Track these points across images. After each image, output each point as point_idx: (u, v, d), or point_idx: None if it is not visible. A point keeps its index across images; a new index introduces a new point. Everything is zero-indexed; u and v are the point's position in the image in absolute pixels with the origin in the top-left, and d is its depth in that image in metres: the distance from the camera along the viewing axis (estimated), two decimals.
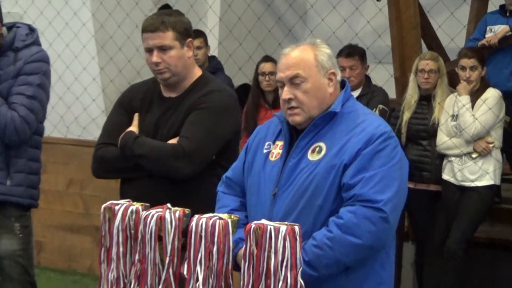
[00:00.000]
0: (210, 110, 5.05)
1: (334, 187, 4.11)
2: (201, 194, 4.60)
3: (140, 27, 10.54)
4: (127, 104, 5.26)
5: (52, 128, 10.35)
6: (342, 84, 4.33)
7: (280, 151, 4.27)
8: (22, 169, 5.65)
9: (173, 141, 5.02)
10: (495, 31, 9.46)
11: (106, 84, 10.69)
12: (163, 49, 5.07)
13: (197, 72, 5.23)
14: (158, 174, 4.99)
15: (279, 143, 4.30)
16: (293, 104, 4.20)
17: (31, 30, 5.75)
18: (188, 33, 5.17)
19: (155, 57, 5.07)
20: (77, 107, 10.73)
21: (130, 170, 5.08)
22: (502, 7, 9.64)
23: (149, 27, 5.11)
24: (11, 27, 5.69)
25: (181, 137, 5.00)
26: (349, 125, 4.19)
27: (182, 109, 5.09)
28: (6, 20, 5.97)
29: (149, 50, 5.11)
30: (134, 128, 5.13)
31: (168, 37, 5.07)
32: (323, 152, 4.17)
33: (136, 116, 5.18)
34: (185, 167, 4.95)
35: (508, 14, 9.51)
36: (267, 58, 9.45)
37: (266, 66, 9.29)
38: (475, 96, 8.35)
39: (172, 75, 5.11)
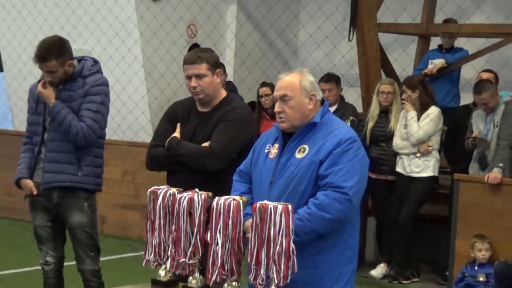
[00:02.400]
0: (234, 122, 5.02)
1: (313, 177, 4.11)
2: (225, 183, 4.57)
3: (177, 60, 10.65)
4: (172, 116, 5.22)
5: (112, 132, 10.35)
6: (322, 101, 4.33)
7: (276, 151, 4.27)
8: (89, 164, 5.62)
9: (206, 144, 4.99)
10: (435, 63, 9.47)
11: (151, 101, 10.69)
12: (199, 76, 5.01)
13: (223, 93, 5.18)
14: (194, 169, 4.97)
15: (276, 145, 4.29)
16: (282, 115, 4.21)
17: (95, 62, 5.71)
18: (217, 65, 5.12)
19: (193, 83, 5.02)
20: (130, 117, 10.73)
21: (174, 165, 5.05)
22: (440, 45, 9.65)
23: (189, 60, 5.07)
24: (80, 59, 5.67)
25: (212, 141, 4.98)
26: (325, 132, 4.19)
27: (212, 121, 5.05)
28: (79, 54, 5.98)
29: (189, 77, 5.05)
30: (177, 134, 5.09)
31: (203, 68, 5.02)
32: (306, 152, 4.16)
33: (178, 125, 5.13)
34: (214, 163, 4.94)
35: (444, 51, 9.52)
36: (263, 84, 9.50)
37: (262, 90, 9.38)
38: (422, 111, 8.38)
39: (205, 96, 5.06)
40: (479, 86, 8.02)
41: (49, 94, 5.54)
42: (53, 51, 5.44)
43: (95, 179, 5.67)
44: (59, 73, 5.50)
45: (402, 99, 8.51)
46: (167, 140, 5.08)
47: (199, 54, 5.07)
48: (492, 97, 7.94)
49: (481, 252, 7.62)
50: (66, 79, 5.56)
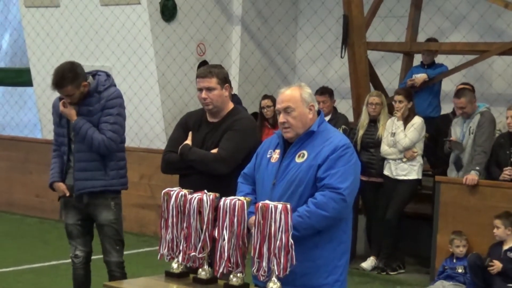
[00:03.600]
0: (239, 131, 5.01)
1: (311, 180, 4.10)
2: (231, 185, 4.55)
3: (188, 75, 10.67)
4: (185, 125, 5.20)
5: (130, 140, 10.31)
6: (319, 112, 4.32)
7: (278, 156, 4.24)
8: (114, 167, 5.62)
9: (215, 151, 4.98)
10: (418, 77, 9.44)
11: (165, 112, 10.68)
12: (209, 89, 4.99)
13: (230, 105, 5.16)
14: (204, 172, 4.95)
15: (277, 151, 4.26)
16: (286, 125, 4.19)
17: (108, 75, 5.69)
18: (226, 80, 5.09)
19: (204, 94, 5.00)
20: (146, 127, 10.73)
21: (186, 169, 5.04)
22: (422, 62, 9.64)
23: (201, 74, 5.05)
24: (94, 74, 5.64)
25: (220, 148, 4.96)
26: (322, 139, 4.17)
27: (221, 130, 5.04)
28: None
29: (200, 90, 5.04)
30: (189, 141, 5.08)
31: (213, 81, 5.00)
32: (305, 157, 4.15)
33: (190, 133, 5.12)
34: (222, 168, 4.92)
35: (426, 67, 9.50)
36: (265, 97, 9.49)
37: (264, 102, 9.35)
38: (406, 121, 8.37)
39: (214, 107, 5.04)
40: (459, 92, 8.09)
41: (71, 112, 5.54)
42: (67, 78, 5.43)
43: (120, 180, 5.68)
44: (76, 95, 5.49)
45: (392, 110, 8.49)
46: (180, 146, 5.06)
47: (210, 70, 5.07)
48: (469, 103, 7.96)
49: (459, 248, 7.64)
50: (84, 96, 5.55)
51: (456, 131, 8.13)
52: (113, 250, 5.66)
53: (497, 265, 7.11)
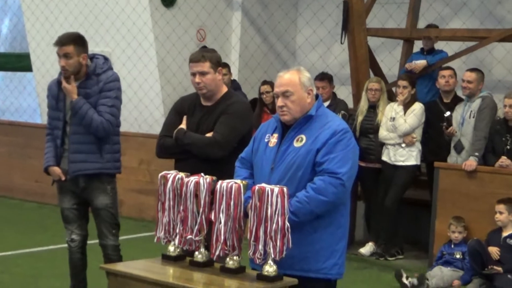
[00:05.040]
0: (234, 114, 5.02)
1: (310, 164, 4.08)
2: (227, 168, 4.56)
3: (188, 61, 10.59)
4: (179, 109, 5.22)
5: (130, 125, 10.35)
6: (317, 96, 4.30)
7: (276, 140, 4.23)
8: (109, 151, 5.63)
9: (209, 134, 4.99)
10: (417, 64, 9.40)
11: (165, 98, 10.67)
12: (202, 73, 5.01)
13: (224, 89, 5.17)
14: (199, 156, 4.96)
15: (275, 135, 4.25)
16: (284, 109, 4.17)
17: (106, 59, 5.71)
18: (219, 64, 5.11)
19: (197, 79, 5.03)
20: (146, 112, 10.72)
21: (181, 153, 5.05)
22: (422, 48, 9.61)
23: (194, 59, 5.07)
24: (92, 58, 5.65)
25: (215, 132, 4.97)
26: (320, 123, 4.16)
27: (215, 113, 5.05)
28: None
29: (193, 74, 5.05)
30: (183, 125, 5.09)
31: (206, 66, 5.02)
32: (303, 141, 4.13)
33: (184, 118, 5.13)
34: (217, 152, 4.93)
35: (425, 53, 9.47)
36: (264, 82, 9.47)
37: (264, 88, 9.33)
38: (407, 107, 8.35)
39: (208, 91, 5.06)
40: (472, 68, 8.15)
41: (73, 89, 5.53)
42: (71, 37, 5.51)
43: (115, 163, 5.70)
44: (73, 60, 5.48)
45: (392, 97, 8.47)
46: (175, 131, 5.07)
47: (203, 54, 5.08)
48: (476, 81, 7.99)
49: (455, 233, 7.64)
50: (81, 76, 5.54)
51: (457, 115, 8.14)
52: (109, 234, 5.69)
53: (497, 270, 7.07)
